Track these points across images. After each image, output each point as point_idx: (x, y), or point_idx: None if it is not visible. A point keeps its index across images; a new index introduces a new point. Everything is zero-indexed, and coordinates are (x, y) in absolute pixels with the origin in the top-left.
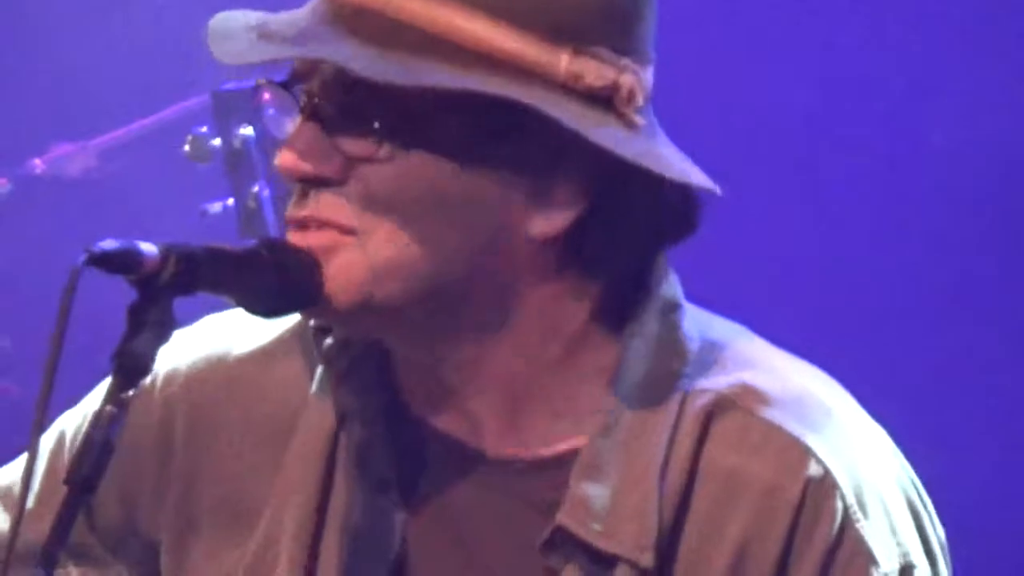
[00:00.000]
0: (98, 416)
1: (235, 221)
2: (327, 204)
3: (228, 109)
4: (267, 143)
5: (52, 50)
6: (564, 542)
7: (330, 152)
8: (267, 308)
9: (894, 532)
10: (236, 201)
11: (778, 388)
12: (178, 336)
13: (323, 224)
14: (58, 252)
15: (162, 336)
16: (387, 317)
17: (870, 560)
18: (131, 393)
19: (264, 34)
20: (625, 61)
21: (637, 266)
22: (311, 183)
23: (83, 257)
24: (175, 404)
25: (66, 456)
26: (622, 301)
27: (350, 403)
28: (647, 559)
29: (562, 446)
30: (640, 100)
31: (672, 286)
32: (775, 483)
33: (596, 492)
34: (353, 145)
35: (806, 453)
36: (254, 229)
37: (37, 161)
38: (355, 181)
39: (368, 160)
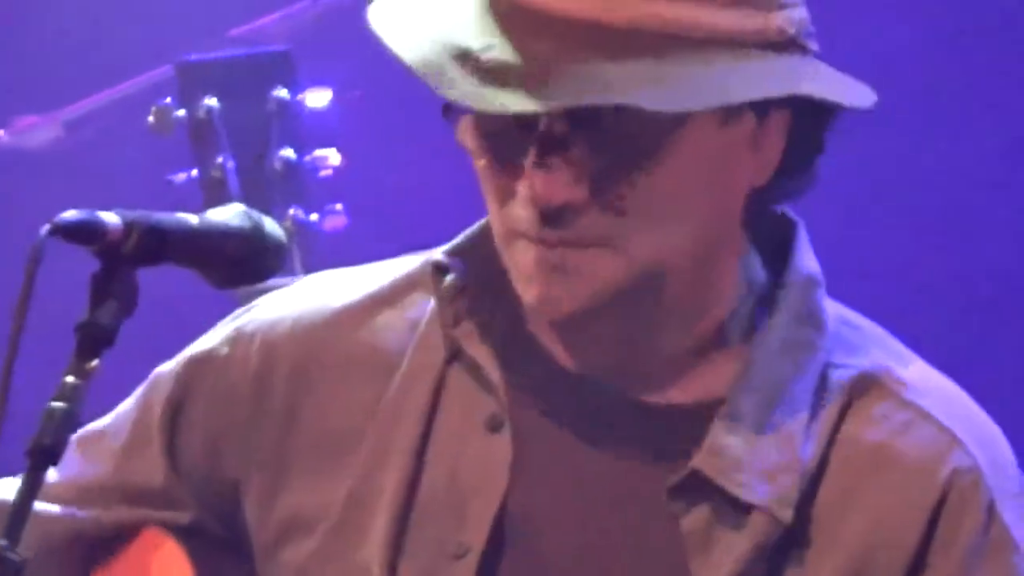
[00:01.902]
0: (61, 388)
1: (199, 192)
2: (580, 224)
3: (192, 80)
4: (231, 114)
5: (15, 21)
6: (695, 488)
7: (580, 176)
8: (230, 281)
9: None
10: (200, 172)
11: (920, 376)
12: (283, 292)
13: (580, 244)
14: (23, 222)
15: (125, 307)
16: (618, 305)
17: (1016, 550)
18: (95, 364)
19: (495, 69)
20: None
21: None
22: (553, 215)
23: (47, 227)
24: (277, 349)
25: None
26: (771, 266)
27: (466, 339)
28: (787, 515)
29: (697, 396)
30: (809, 25)
31: (813, 262)
32: (921, 465)
33: (735, 443)
34: (604, 165)
35: (953, 442)
36: (219, 199)
37: (1, 132)
38: (606, 198)
39: (621, 175)
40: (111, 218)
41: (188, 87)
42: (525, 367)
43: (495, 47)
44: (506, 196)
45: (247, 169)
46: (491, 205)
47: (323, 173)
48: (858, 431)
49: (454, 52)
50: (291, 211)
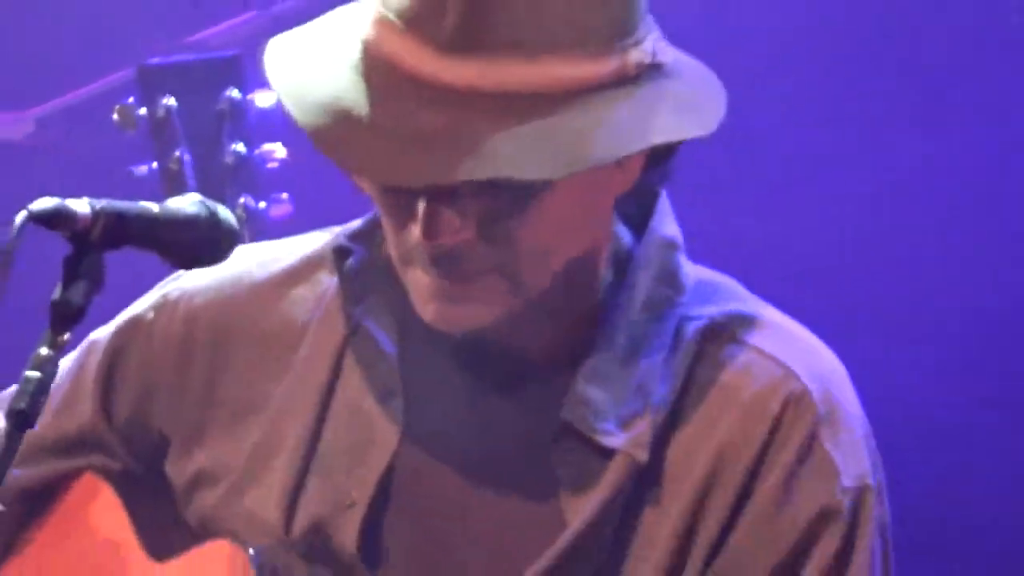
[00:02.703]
0: (36, 358)
1: (159, 182)
2: (470, 261)
3: (152, 82)
4: (187, 112)
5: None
6: (566, 437)
7: (466, 219)
8: (188, 263)
9: (856, 456)
10: (160, 164)
11: (764, 320)
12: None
13: (465, 278)
14: (1, 214)
15: (94, 286)
16: (491, 330)
17: (834, 472)
18: (66, 337)
19: (387, 140)
20: (645, 22)
21: (648, 206)
22: (447, 258)
23: (23, 214)
24: (198, 320)
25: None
26: (632, 236)
27: (365, 316)
28: (642, 454)
29: (566, 353)
30: (662, 43)
31: (673, 227)
32: (759, 398)
33: (598, 395)
34: (488, 208)
35: (788, 374)
36: (177, 190)
37: None
38: (492, 235)
39: (504, 215)
40: (81, 206)
41: (148, 88)
42: (418, 339)
43: (383, 117)
44: (400, 225)
45: (202, 162)
46: (386, 226)
47: (270, 165)
48: (707, 375)
49: (341, 117)
50: (242, 199)
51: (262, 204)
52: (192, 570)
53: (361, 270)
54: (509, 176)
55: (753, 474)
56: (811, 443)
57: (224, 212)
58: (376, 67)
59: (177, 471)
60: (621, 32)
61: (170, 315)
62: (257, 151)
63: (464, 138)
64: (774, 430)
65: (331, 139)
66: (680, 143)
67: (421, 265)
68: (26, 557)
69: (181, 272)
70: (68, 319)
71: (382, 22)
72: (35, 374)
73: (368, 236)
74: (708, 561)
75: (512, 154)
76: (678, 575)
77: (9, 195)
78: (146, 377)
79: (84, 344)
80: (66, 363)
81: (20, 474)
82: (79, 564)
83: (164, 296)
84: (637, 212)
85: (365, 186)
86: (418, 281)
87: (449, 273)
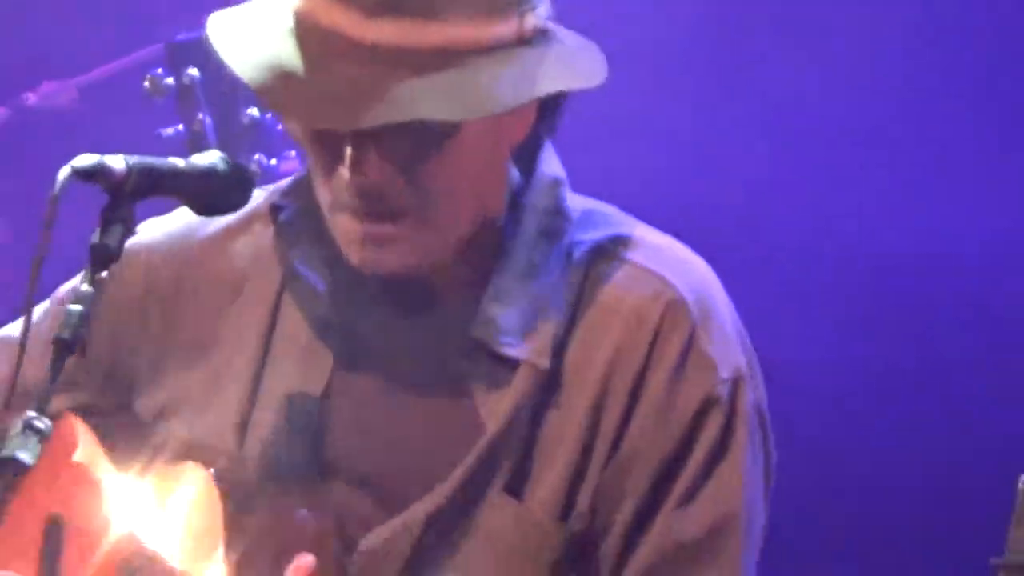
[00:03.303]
0: (77, 293)
1: (184, 142)
2: (393, 199)
3: (179, 55)
4: (209, 82)
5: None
6: (475, 352)
7: (390, 161)
8: (209, 210)
9: (730, 351)
10: (184, 127)
11: (641, 239)
12: (160, 220)
13: (387, 217)
14: (49, 169)
15: (127, 231)
16: (412, 271)
17: (712, 367)
18: (104, 275)
19: (320, 91)
20: None
21: (535, 151)
22: (370, 195)
23: (66, 169)
24: (156, 266)
25: (47, 321)
26: (522, 178)
27: (298, 261)
28: (545, 362)
29: (471, 284)
30: (550, 8)
31: (558, 167)
32: (643, 306)
33: (501, 313)
34: (408, 151)
35: (665, 285)
36: (200, 148)
37: (30, 95)
38: (410, 175)
39: (424, 162)
40: (116, 162)
41: (175, 61)
42: (344, 278)
43: (316, 72)
44: (329, 172)
45: (221, 124)
46: (316, 178)
47: (280, 127)
48: (595, 290)
49: (280, 74)
50: (256, 156)
51: (273, 161)
52: (164, 491)
53: (292, 222)
54: (422, 119)
55: (642, 375)
56: (690, 344)
57: (240, 166)
58: (309, 31)
59: (144, 406)
60: (519, 0)
61: (132, 266)
62: (269, 115)
63: (386, 88)
64: (656, 335)
65: (271, 92)
66: (565, 98)
67: (350, 210)
68: (22, 492)
69: (138, 227)
70: (106, 260)
71: None
72: (77, 307)
73: (297, 192)
74: (609, 455)
75: (426, 101)
76: (583, 469)
77: (55, 155)
78: (114, 321)
79: (54, 295)
80: (38, 313)
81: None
82: (65, 492)
83: (126, 249)
84: (528, 158)
85: (300, 136)
86: (346, 227)
87: (373, 211)
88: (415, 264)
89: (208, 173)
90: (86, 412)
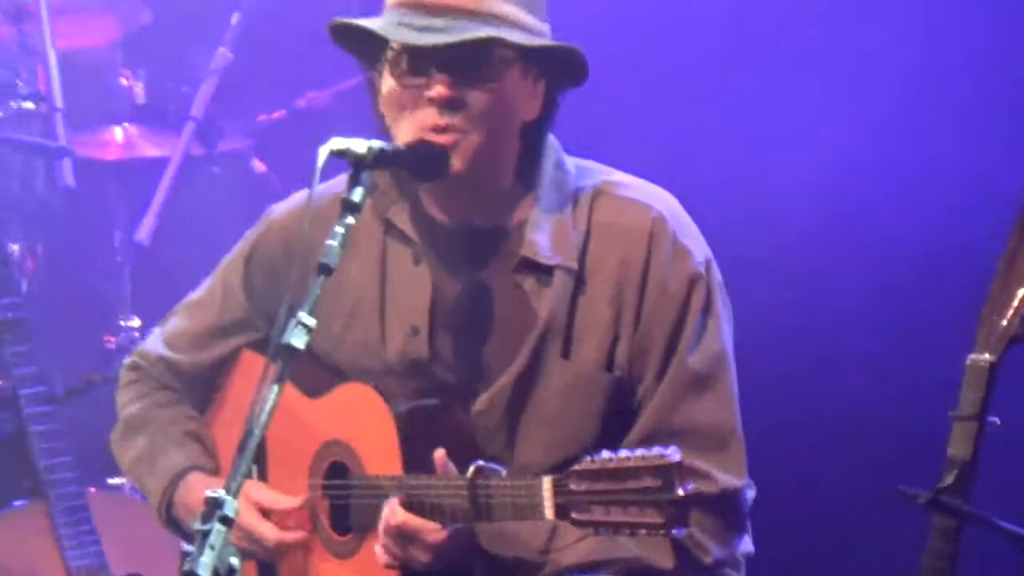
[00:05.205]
0: (331, 234)
1: None
2: (455, 117)
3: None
4: None
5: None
6: (525, 266)
7: (456, 89)
8: (420, 176)
9: (700, 244)
10: None
11: (625, 181)
12: (287, 201)
13: (452, 128)
14: (314, 151)
15: (367, 193)
16: (472, 171)
17: (691, 254)
18: (352, 221)
19: (422, 28)
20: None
21: (541, 133)
22: (446, 104)
23: (325, 148)
24: (290, 228)
25: (228, 273)
26: (537, 151)
27: (392, 218)
28: (573, 264)
29: (517, 220)
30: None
31: (555, 142)
32: (635, 224)
33: (539, 238)
34: (471, 78)
35: (648, 207)
36: None
37: (299, 100)
38: (466, 101)
39: (478, 86)
40: (359, 145)
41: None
42: (426, 227)
43: (416, 20)
44: (413, 106)
45: None
46: (400, 117)
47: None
48: (600, 217)
49: (394, 25)
50: None
51: None
52: (339, 405)
53: (385, 192)
54: (493, 38)
55: (646, 269)
56: (673, 242)
57: (434, 147)
58: (403, 6)
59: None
60: (539, 9)
61: (274, 228)
62: None
63: (465, 28)
64: (651, 238)
65: (385, 32)
66: (558, 108)
67: (428, 126)
68: (224, 406)
69: (271, 206)
70: (352, 209)
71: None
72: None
73: (374, 177)
74: (634, 323)
75: (493, 35)
76: (617, 335)
77: (319, 143)
78: (270, 269)
79: (219, 266)
80: (208, 280)
81: (205, 355)
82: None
83: (268, 217)
84: (537, 139)
85: (388, 83)
86: (427, 115)
87: (447, 121)
88: (468, 164)
89: (413, 152)
90: (257, 347)
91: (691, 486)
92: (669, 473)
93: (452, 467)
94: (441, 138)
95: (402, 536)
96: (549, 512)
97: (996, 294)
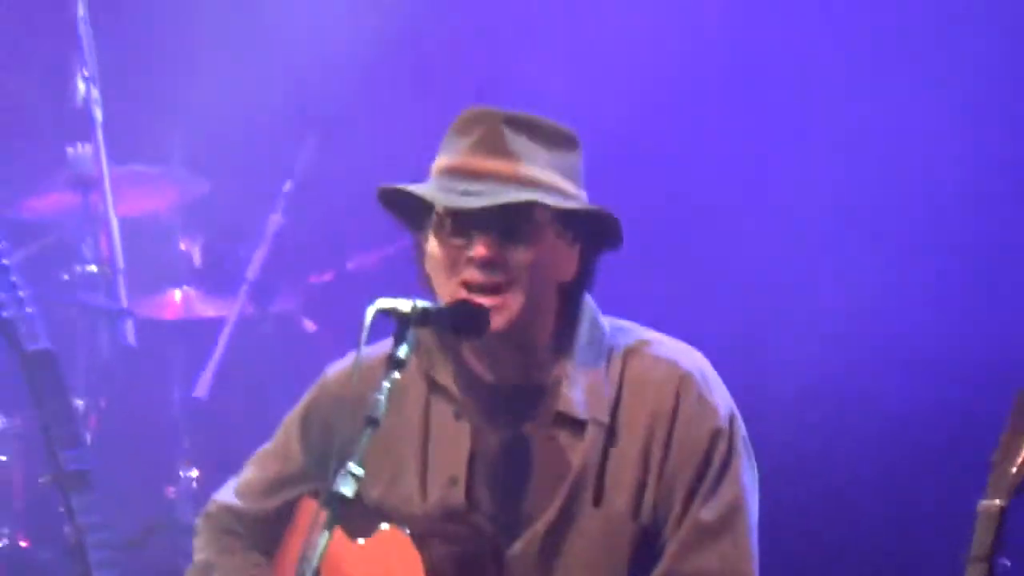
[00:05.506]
0: (379, 387)
1: None
2: (496, 275)
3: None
4: None
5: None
6: (560, 421)
7: (498, 248)
8: (461, 333)
9: (724, 399)
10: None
11: (656, 340)
12: (340, 361)
13: (493, 287)
14: (363, 308)
15: (410, 348)
16: (513, 330)
17: (715, 409)
18: (397, 376)
19: (464, 192)
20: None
21: (579, 293)
22: (488, 263)
23: (373, 307)
24: (344, 386)
25: (292, 435)
26: (574, 311)
27: (435, 376)
28: (605, 419)
29: (553, 378)
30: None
31: (592, 302)
32: (663, 381)
33: (574, 394)
34: (511, 239)
35: (676, 364)
36: None
37: (348, 263)
38: (507, 261)
39: (517, 247)
40: (404, 304)
41: None
42: (468, 383)
43: (459, 186)
44: (456, 267)
45: None
46: (444, 277)
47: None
48: (632, 374)
49: (439, 190)
50: None
51: None
52: (379, 548)
53: (428, 351)
54: (534, 201)
55: (672, 423)
56: (699, 398)
57: (474, 306)
58: (452, 170)
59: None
60: (575, 176)
61: (328, 388)
62: None
63: (503, 192)
64: (677, 396)
65: (445, 203)
66: (595, 271)
67: (472, 287)
68: (287, 550)
69: (327, 367)
70: (398, 365)
71: (445, 165)
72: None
73: (418, 334)
74: (660, 474)
75: (532, 199)
76: (644, 485)
77: (368, 301)
78: (324, 425)
79: (283, 422)
80: (275, 435)
81: (270, 503)
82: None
83: (323, 378)
84: (574, 298)
85: (435, 244)
86: (469, 274)
87: (491, 280)
88: (510, 323)
89: (455, 311)
90: (316, 495)
91: None
92: None
93: None
94: (482, 298)
95: None
96: None
97: (1006, 444)
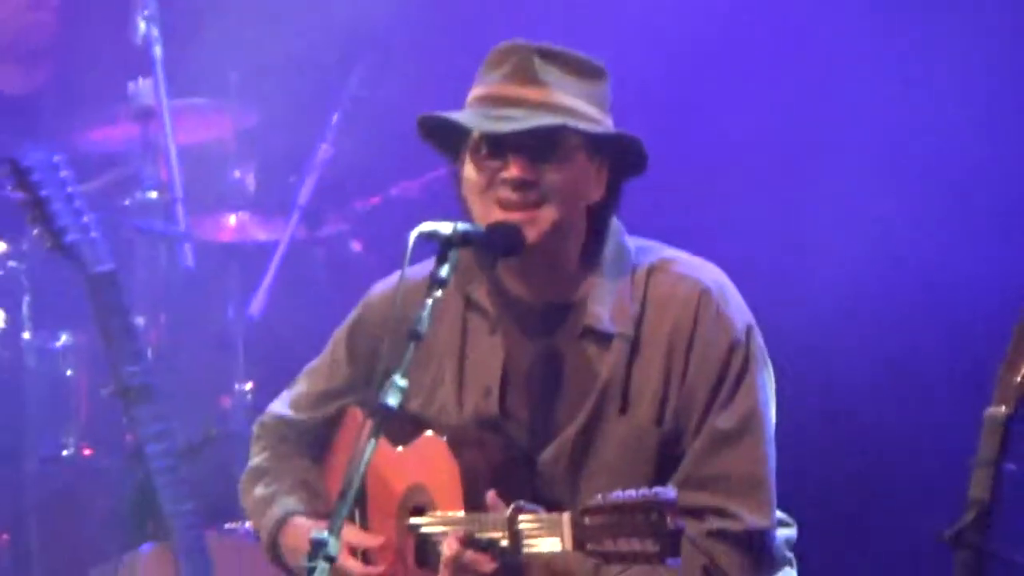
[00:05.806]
0: (423, 306)
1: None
2: (529, 194)
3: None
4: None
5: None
6: (589, 334)
7: (531, 169)
8: (497, 251)
9: (741, 313)
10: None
11: (677, 258)
12: (384, 281)
13: (526, 204)
14: (407, 232)
15: (452, 270)
16: (545, 243)
17: (731, 324)
18: (439, 294)
19: (498, 117)
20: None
21: (606, 215)
22: (521, 183)
23: (415, 232)
24: (387, 309)
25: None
26: (602, 231)
27: (471, 293)
28: (630, 332)
29: (581, 295)
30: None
31: (618, 223)
32: (684, 296)
33: (601, 310)
34: (542, 160)
35: (697, 281)
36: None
37: (392, 189)
38: (538, 181)
39: (548, 168)
40: (445, 227)
41: None
42: (503, 300)
43: (493, 112)
44: (491, 187)
45: None
46: (480, 197)
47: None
48: (655, 290)
49: (475, 116)
50: None
51: None
52: (418, 454)
53: (464, 271)
54: (566, 124)
55: (691, 337)
56: (717, 312)
57: (510, 227)
58: (488, 98)
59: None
60: (604, 104)
61: (373, 306)
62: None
63: (537, 117)
64: (697, 310)
65: (471, 124)
66: (621, 193)
67: (506, 205)
68: (334, 455)
69: (372, 286)
70: (440, 284)
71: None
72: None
73: (457, 256)
74: (681, 384)
75: (562, 123)
76: (666, 395)
77: (412, 224)
78: (369, 340)
79: (331, 338)
80: (324, 350)
81: (319, 413)
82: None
83: (369, 297)
84: (602, 220)
85: (471, 167)
86: (504, 194)
87: (520, 200)
88: (541, 235)
89: (493, 232)
90: (361, 405)
91: (682, 521)
92: (663, 509)
93: (502, 506)
94: (516, 215)
95: (459, 568)
96: (568, 543)
97: (1011, 355)
